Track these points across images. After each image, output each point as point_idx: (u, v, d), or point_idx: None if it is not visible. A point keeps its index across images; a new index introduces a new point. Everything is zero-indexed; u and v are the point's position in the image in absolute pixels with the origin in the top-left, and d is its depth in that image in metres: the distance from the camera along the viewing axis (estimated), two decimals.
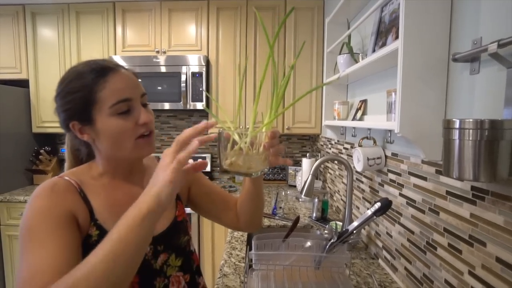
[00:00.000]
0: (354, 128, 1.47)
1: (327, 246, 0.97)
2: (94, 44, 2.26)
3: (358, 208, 1.43)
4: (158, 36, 2.24)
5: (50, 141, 2.57)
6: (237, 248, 1.28)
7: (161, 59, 2.16)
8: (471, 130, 0.58)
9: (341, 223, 1.41)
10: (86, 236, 0.58)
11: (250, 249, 1.03)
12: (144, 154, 0.64)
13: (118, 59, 2.16)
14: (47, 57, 2.29)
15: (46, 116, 2.33)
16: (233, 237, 1.40)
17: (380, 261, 1.18)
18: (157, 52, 2.23)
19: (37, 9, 2.26)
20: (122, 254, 0.44)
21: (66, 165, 0.71)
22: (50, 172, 2.37)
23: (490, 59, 0.64)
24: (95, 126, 0.59)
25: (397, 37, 0.83)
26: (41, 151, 2.36)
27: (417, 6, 0.77)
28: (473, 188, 0.70)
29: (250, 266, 1.04)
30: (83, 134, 0.61)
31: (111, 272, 0.43)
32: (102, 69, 0.59)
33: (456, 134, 0.60)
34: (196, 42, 2.23)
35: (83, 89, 0.58)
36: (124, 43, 2.26)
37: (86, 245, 0.56)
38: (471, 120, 0.57)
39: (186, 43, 2.24)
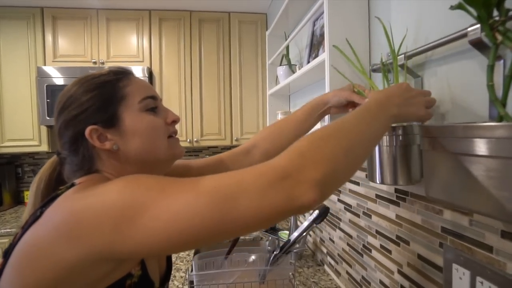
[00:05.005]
0: None
1: (271, 259, 0.95)
2: (17, 51, 2.02)
3: (305, 216, 1.45)
4: (96, 46, 2.09)
5: None
6: (181, 270, 1.20)
7: None
8: (387, 137, 0.61)
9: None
10: (127, 275, 0.46)
11: (192, 270, 0.97)
12: (177, 153, 0.56)
13: (50, 70, 1.96)
14: None
15: None
16: (178, 257, 1.31)
17: (325, 267, 1.20)
18: (94, 63, 2.08)
19: None
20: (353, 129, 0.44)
21: (28, 207, 0.54)
22: None
23: (401, 70, 0.69)
24: (123, 126, 0.51)
25: None
26: None
27: (340, 22, 0.82)
28: (396, 190, 0.74)
29: None
30: (104, 142, 0.50)
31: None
32: (122, 70, 0.55)
33: None
34: (137, 53, 2.12)
35: (106, 85, 0.52)
36: (56, 53, 2.07)
37: (121, 286, 0.46)
38: None
39: (127, 54, 2.12)
